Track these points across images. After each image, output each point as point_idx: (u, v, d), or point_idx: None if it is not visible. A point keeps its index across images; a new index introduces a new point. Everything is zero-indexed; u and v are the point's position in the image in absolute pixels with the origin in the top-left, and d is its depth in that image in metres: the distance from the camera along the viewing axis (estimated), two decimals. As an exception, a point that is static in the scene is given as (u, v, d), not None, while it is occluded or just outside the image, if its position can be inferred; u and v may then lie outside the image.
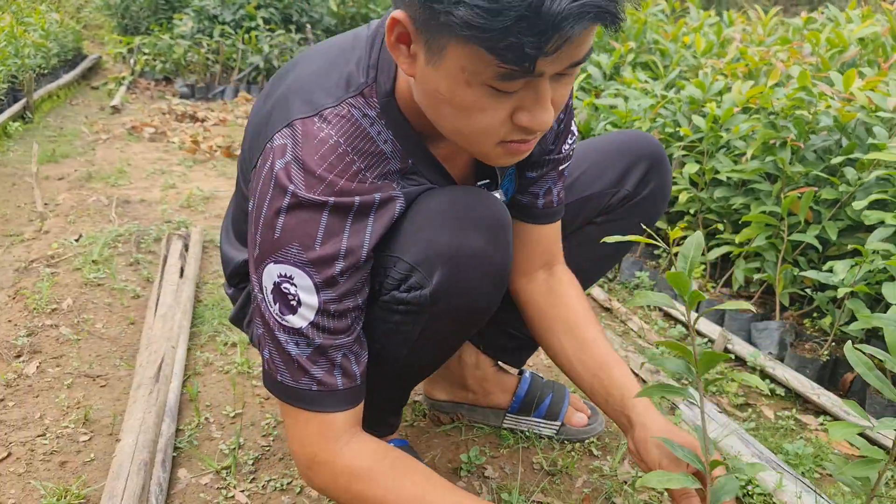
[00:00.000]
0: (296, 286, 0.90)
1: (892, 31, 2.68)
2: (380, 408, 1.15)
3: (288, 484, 1.34)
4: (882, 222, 1.66)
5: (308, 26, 7.66)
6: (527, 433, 1.51)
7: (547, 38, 0.70)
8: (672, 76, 2.82)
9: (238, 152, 4.19)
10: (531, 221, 1.22)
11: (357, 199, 0.90)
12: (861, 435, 1.51)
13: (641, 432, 1.09)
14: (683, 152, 2.30)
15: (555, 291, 1.26)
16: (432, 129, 0.96)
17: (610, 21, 0.72)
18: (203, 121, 5.29)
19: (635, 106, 2.47)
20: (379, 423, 1.22)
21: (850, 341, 0.96)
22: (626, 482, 1.38)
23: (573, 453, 1.46)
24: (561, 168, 1.20)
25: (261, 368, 1.74)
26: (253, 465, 1.39)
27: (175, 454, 1.40)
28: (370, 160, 0.93)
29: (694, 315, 2.13)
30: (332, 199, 0.89)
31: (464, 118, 0.83)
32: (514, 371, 1.58)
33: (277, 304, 0.92)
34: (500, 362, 1.55)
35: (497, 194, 1.12)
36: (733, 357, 1.93)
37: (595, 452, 1.48)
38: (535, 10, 0.68)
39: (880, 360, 0.95)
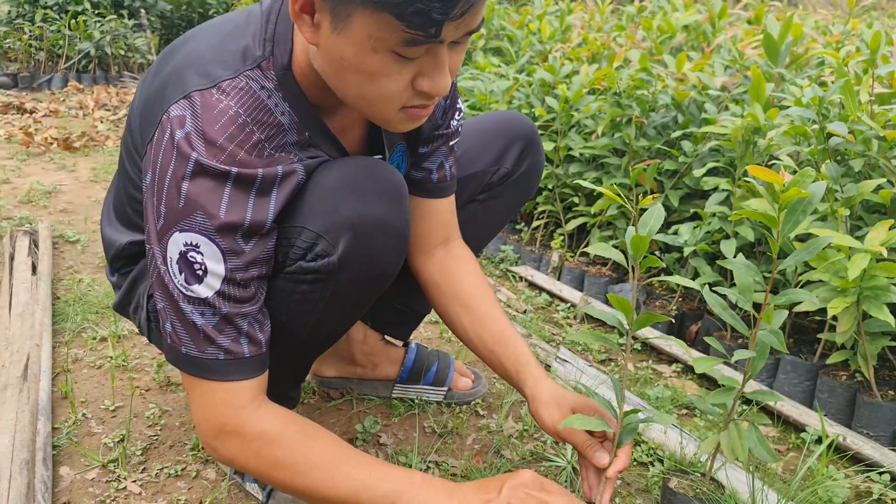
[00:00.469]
0: (202, 254, 0.90)
1: (711, 19, 2.98)
2: (282, 382, 1.16)
3: (182, 470, 1.31)
4: (717, 188, 1.87)
5: (142, 11, 7.24)
6: (416, 400, 1.57)
7: (452, 5, 0.76)
8: (523, 61, 2.97)
9: (77, 144, 3.95)
10: (426, 196, 1.26)
11: (260, 171, 0.91)
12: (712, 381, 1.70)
13: (532, 405, 1.18)
14: (539, 132, 2.44)
15: (450, 268, 1.31)
16: (328, 102, 0.99)
17: None
18: (32, 112, 4.90)
19: (495, 88, 2.58)
20: (281, 398, 1.23)
21: (706, 285, 1.10)
22: (511, 436, 1.47)
23: (461, 415, 1.54)
24: (451, 143, 1.26)
25: (137, 361, 1.69)
26: (142, 455, 1.35)
27: (54, 452, 1.33)
28: (269, 131, 0.94)
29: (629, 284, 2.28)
30: (234, 169, 0.89)
31: (368, 84, 0.87)
32: (400, 344, 1.63)
33: (183, 274, 0.92)
34: (386, 336, 1.59)
35: None
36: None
37: (481, 412, 1.56)
38: None
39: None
